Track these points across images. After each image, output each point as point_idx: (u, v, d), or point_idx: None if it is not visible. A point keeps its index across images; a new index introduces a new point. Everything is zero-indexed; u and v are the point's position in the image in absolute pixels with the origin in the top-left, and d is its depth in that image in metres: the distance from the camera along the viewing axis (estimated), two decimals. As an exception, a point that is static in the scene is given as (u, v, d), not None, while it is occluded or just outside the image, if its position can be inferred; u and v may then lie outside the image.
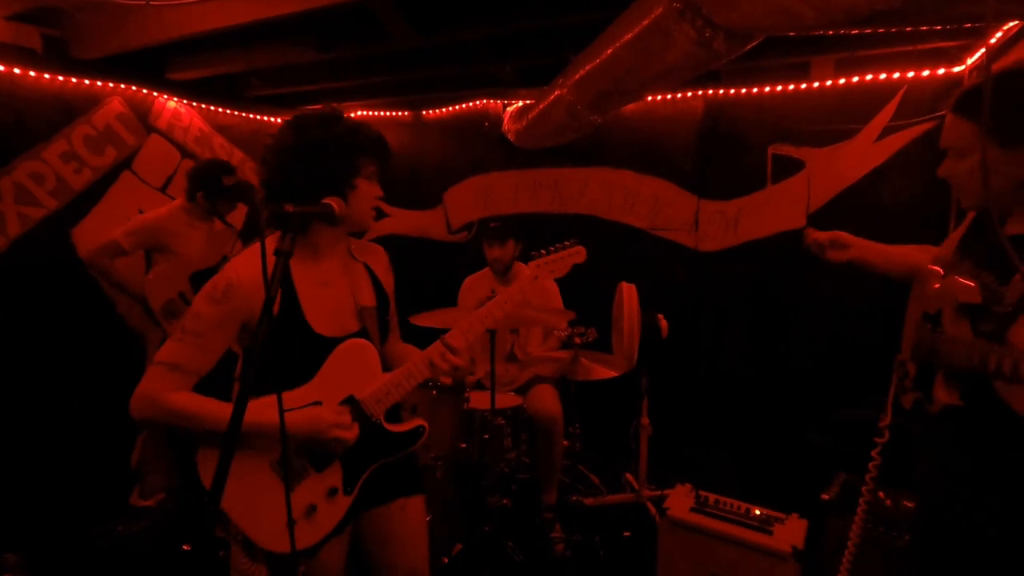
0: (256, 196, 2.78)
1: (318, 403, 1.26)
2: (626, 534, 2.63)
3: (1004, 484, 1.07)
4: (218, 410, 1.18)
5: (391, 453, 1.36)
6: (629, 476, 3.05)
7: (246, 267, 1.22)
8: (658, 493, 2.78)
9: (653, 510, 2.69)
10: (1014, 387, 0.97)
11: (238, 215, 3.43)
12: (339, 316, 1.33)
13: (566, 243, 1.49)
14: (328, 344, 1.28)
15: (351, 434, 1.25)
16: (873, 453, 1.27)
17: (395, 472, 1.39)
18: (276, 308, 1.19)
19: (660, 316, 2.71)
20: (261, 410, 1.14)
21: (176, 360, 1.19)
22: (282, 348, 1.21)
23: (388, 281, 1.49)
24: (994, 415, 1.02)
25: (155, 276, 2.70)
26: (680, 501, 2.15)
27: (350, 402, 1.29)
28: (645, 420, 2.86)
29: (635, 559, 2.46)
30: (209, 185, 2.70)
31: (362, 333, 1.35)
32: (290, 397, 1.22)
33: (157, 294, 2.69)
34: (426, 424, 1.40)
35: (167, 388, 1.18)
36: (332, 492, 1.28)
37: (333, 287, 1.34)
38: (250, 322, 1.21)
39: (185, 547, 2.49)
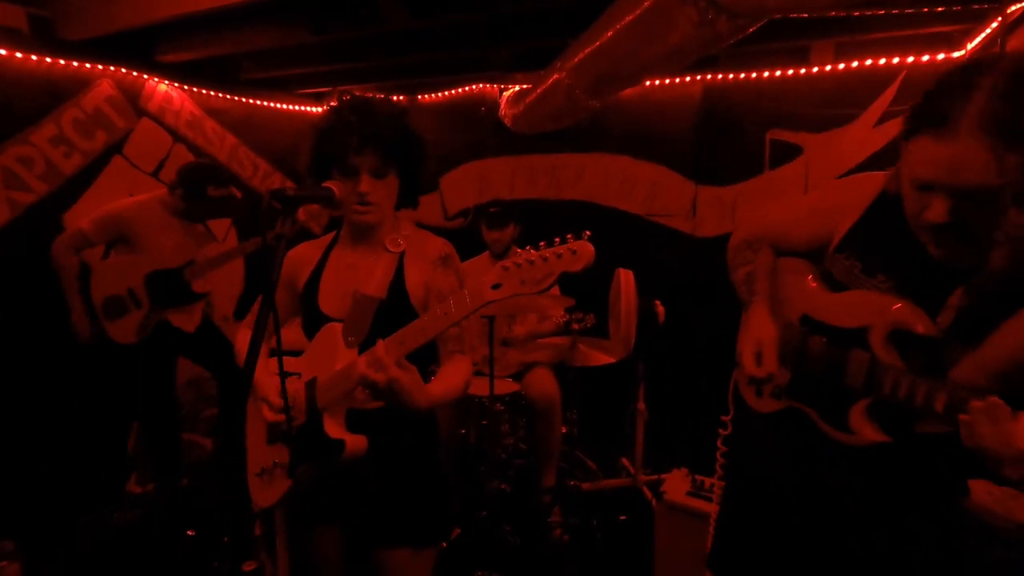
0: (241, 212, 2.68)
1: (297, 375, 1.30)
2: (622, 518, 2.66)
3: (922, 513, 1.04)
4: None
5: (321, 456, 1.22)
6: (625, 461, 3.07)
7: (298, 247, 1.43)
8: (654, 477, 2.81)
9: (649, 494, 2.72)
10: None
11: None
12: (346, 299, 1.32)
13: (567, 237, 0.99)
14: (324, 322, 1.30)
15: (274, 416, 1.25)
16: (718, 443, 1.34)
17: (406, 518, 1.31)
18: (304, 281, 1.36)
19: (657, 302, 2.71)
20: (265, 366, 1.33)
21: (256, 308, 1.41)
22: (304, 317, 1.38)
23: (428, 279, 1.32)
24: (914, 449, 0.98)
25: (106, 266, 2.52)
26: (676, 485, 2.17)
27: (312, 383, 1.28)
28: (641, 405, 2.88)
29: (632, 543, 2.48)
30: (193, 188, 2.53)
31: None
32: (290, 363, 1.33)
33: (102, 286, 2.51)
34: (351, 442, 1.20)
35: (245, 326, 1.48)
36: (277, 466, 1.30)
37: (357, 272, 1.33)
38: (295, 284, 1.39)
39: (189, 532, 2.50)
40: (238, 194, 2.74)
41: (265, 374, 1.32)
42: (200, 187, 2.54)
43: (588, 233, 0.97)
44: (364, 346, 1.24)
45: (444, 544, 2.40)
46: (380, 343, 1.12)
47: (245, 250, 2.70)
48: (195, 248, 2.67)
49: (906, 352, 0.96)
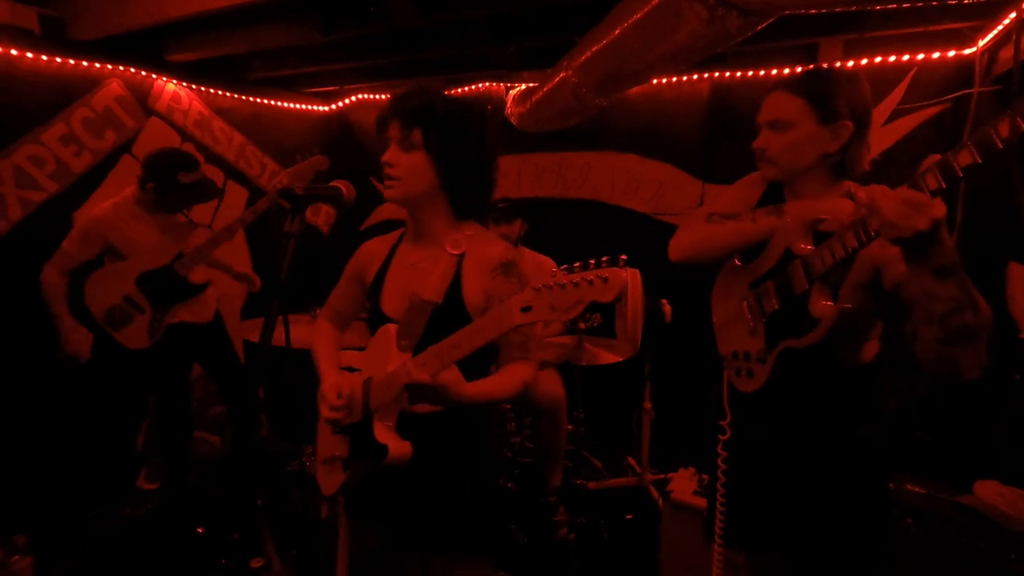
0: (219, 194, 2.62)
1: (357, 370, 1.32)
2: (628, 517, 2.65)
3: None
4: (319, 348, 1.44)
5: (369, 457, 1.22)
6: (631, 460, 3.07)
7: (371, 241, 1.45)
8: (661, 477, 2.80)
9: (656, 494, 2.72)
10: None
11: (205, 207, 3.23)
12: (404, 300, 1.29)
13: (602, 261, 0.94)
14: (383, 321, 1.30)
15: (330, 415, 1.26)
16: (718, 448, 1.42)
17: (449, 525, 1.28)
18: (372, 277, 1.38)
19: (664, 301, 2.71)
20: (334, 359, 1.40)
21: (331, 299, 1.52)
22: (368, 315, 1.40)
23: (488, 287, 1.27)
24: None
25: (96, 278, 2.45)
26: (683, 484, 2.17)
27: (368, 382, 1.27)
28: (648, 404, 2.87)
29: (638, 542, 2.48)
30: (163, 180, 2.43)
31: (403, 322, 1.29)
32: (355, 356, 1.39)
33: (99, 299, 2.44)
34: (394, 449, 1.19)
35: (322, 317, 1.53)
36: (337, 458, 1.31)
37: (417, 272, 1.31)
38: (364, 280, 1.41)
39: (199, 529, 2.51)
40: (206, 170, 2.56)
41: (333, 370, 1.36)
42: (170, 176, 2.43)
43: (624, 257, 0.92)
44: (417, 350, 1.21)
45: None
46: (410, 360, 1.14)
47: (233, 231, 2.58)
48: (180, 240, 2.58)
49: (821, 239, 1.15)
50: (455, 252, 1.27)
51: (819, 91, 1.24)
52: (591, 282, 0.91)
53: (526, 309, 0.98)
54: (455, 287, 1.26)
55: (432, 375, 1.10)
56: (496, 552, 1.35)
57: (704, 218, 1.45)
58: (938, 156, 0.92)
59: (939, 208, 0.89)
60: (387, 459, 1.18)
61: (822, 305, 1.15)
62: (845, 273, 1.16)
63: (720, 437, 1.41)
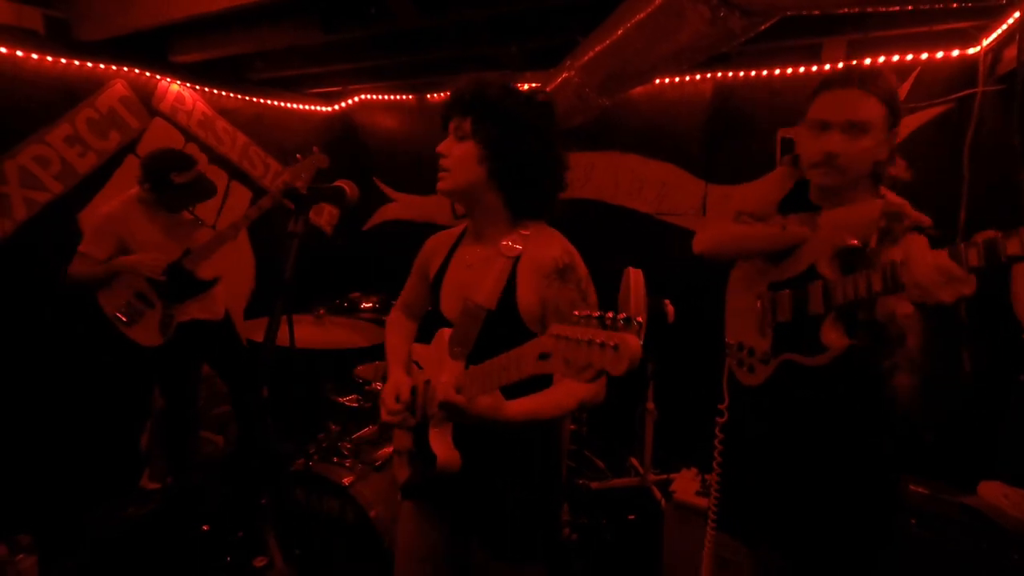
0: (216, 192, 2.64)
1: (419, 366, 1.31)
2: (631, 517, 2.65)
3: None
4: (389, 341, 1.43)
5: (426, 462, 1.19)
6: (634, 460, 3.07)
7: (436, 235, 1.42)
8: (663, 477, 2.80)
9: (658, 494, 2.71)
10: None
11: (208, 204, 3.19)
12: (459, 303, 1.24)
13: (618, 319, 0.82)
14: (440, 323, 1.27)
15: (388, 419, 1.23)
16: (716, 431, 1.42)
17: (504, 530, 1.24)
18: (433, 274, 1.34)
19: (666, 301, 2.70)
20: (402, 355, 1.37)
21: (403, 292, 1.49)
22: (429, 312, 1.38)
23: (543, 294, 1.17)
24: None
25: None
26: (686, 485, 2.17)
27: (427, 385, 1.25)
28: (651, 405, 2.87)
29: (641, 542, 2.48)
30: (157, 180, 2.47)
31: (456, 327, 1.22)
32: (421, 350, 1.34)
33: (110, 295, 2.49)
34: (442, 459, 1.15)
35: (395, 307, 1.51)
36: (404, 452, 1.30)
37: (473, 273, 1.25)
38: (427, 275, 1.37)
39: (204, 527, 2.52)
40: (209, 171, 2.60)
41: (398, 369, 1.33)
42: (163, 176, 2.47)
43: (641, 319, 0.84)
44: (471, 358, 1.15)
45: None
46: (450, 380, 1.09)
47: (238, 228, 2.61)
48: (186, 237, 2.62)
49: (847, 266, 1.14)
50: (510, 254, 1.19)
51: (889, 92, 1.15)
52: (602, 346, 0.81)
53: (544, 356, 0.89)
54: (509, 293, 1.18)
55: (469, 398, 1.04)
56: (552, 559, 1.29)
57: (732, 216, 1.41)
58: (991, 233, 0.87)
59: (970, 287, 0.87)
60: (435, 469, 1.15)
61: (834, 337, 1.13)
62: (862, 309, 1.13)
63: (718, 420, 1.41)
